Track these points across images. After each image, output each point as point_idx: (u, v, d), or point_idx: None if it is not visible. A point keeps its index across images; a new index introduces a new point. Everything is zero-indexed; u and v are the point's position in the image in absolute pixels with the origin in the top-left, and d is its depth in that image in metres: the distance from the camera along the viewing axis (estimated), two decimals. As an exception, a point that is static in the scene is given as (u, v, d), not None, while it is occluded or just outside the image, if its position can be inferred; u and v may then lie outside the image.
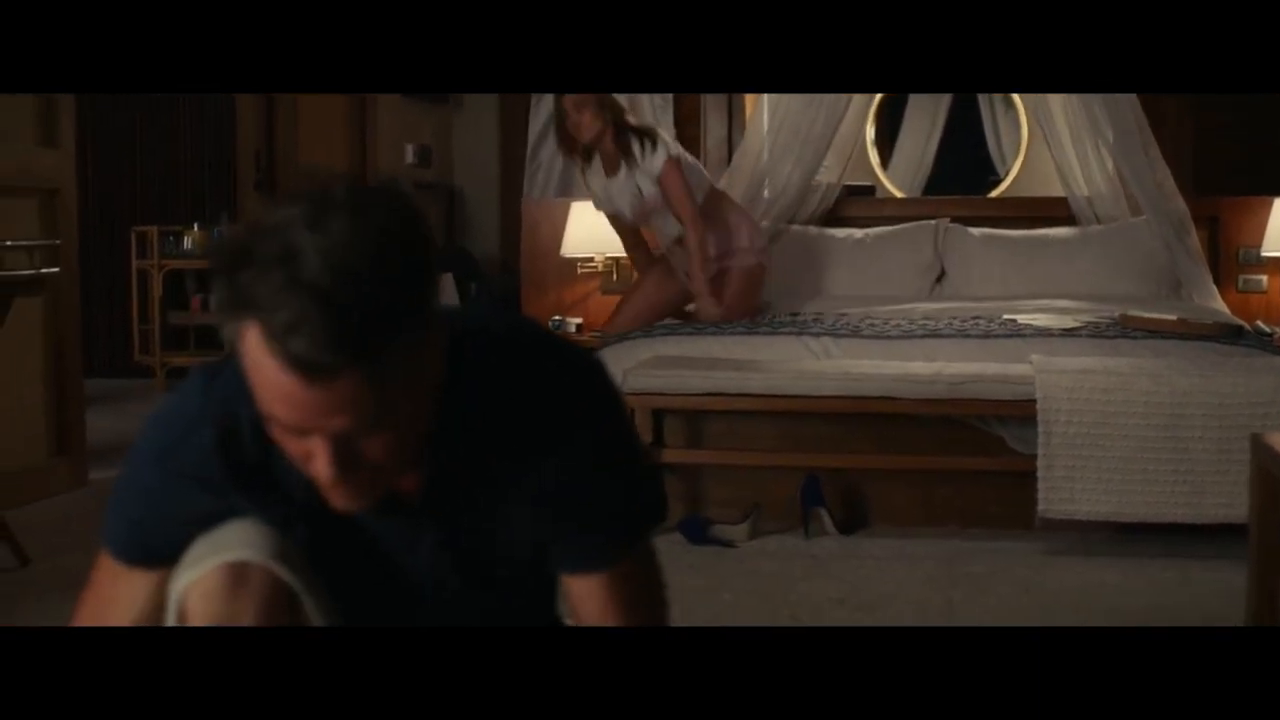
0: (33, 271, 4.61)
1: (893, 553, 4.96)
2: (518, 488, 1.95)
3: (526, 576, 2.09)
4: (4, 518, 4.67)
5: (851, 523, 5.26)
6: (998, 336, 5.58)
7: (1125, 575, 4.67)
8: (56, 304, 5.84)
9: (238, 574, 1.92)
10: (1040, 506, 4.94)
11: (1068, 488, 4.92)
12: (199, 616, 1.92)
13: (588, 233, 7.32)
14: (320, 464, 1.74)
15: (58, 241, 4.99)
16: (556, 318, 7.48)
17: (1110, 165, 7.09)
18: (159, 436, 1.97)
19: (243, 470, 1.93)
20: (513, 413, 1.92)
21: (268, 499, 1.95)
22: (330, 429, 1.71)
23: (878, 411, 5.21)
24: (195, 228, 9.18)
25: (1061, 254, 6.97)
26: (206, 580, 1.92)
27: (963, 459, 5.23)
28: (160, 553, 1.98)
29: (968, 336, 5.62)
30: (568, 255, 7.50)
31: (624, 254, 7.06)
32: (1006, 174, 7.96)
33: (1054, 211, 7.32)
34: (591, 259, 7.48)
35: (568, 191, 8.78)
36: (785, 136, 7.19)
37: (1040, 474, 4.93)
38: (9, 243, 4.74)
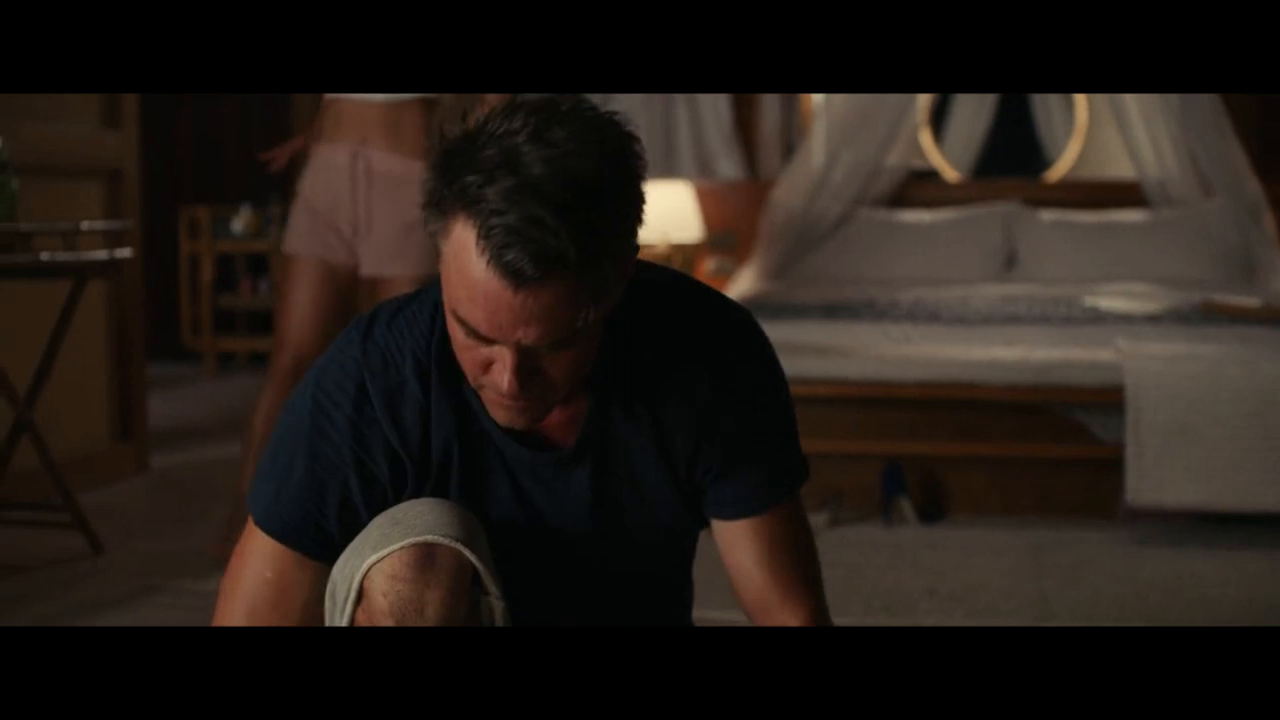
0: (106, 255, 4.53)
1: (975, 542, 4.87)
2: (679, 433, 1.96)
3: (673, 525, 2.08)
4: (78, 505, 4.60)
5: (931, 511, 5.17)
6: (1080, 322, 5.48)
7: (1215, 566, 4.58)
8: (120, 288, 5.79)
9: (426, 555, 1.87)
10: (1128, 495, 4.85)
11: (1156, 477, 4.83)
12: (385, 597, 1.87)
13: (651, 216, 7.23)
14: (501, 374, 1.76)
15: (130, 224, 4.93)
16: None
17: (1181, 146, 6.97)
18: (317, 403, 1.93)
19: (402, 424, 1.91)
20: (675, 358, 1.94)
21: (425, 449, 1.93)
22: (523, 338, 1.72)
23: (961, 398, 5.12)
24: (246, 210, 9.10)
25: (1133, 237, 6.86)
26: (394, 561, 1.87)
27: (1044, 446, 5.14)
28: (312, 532, 1.95)
29: (1049, 321, 5.53)
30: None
31: (687, 240, 7.00)
32: (1059, 156, 7.85)
33: (1121, 194, 7.21)
34: (653, 245, 7.39)
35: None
36: (852, 119, 7.11)
37: (1128, 462, 4.84)
38: (84, 225, 4.66)
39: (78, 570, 4.47)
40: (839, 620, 2.20)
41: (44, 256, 4.35)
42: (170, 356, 9.41)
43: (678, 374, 1.94)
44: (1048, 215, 7.04)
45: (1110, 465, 5.00)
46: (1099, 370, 5.02)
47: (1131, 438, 4.84)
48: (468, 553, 1.88)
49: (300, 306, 4.27)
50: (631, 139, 1.75)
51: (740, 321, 2.01)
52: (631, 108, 8.78)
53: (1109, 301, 5.76)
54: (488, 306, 1.69)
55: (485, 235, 1.65)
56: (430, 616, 1.86)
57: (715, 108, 8.62)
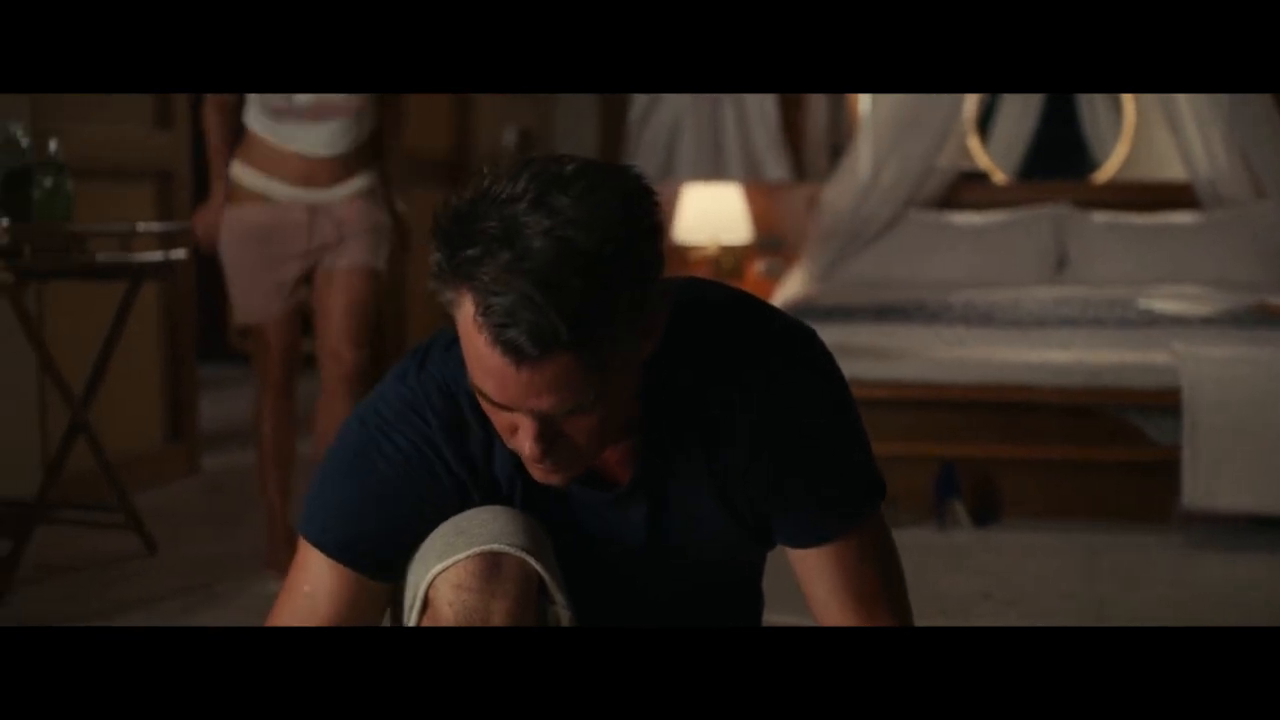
0: (162, 256, 4.55)
1: (1029, 545, 4.85)
2: (731, 455, 1.89)
3: (734, 551, 2.03)
4: (133, 505, 4.62)
5: (985, 514, 5.15)
6: (1134, 324, 5.45)
7: (1272, 571, 4.55)
8: (172, 289, 5.80)
9: (492, 565, 1.85)
10: (1184, 499, 4.82)
11: (1211, 480, 4.79)
12: (450, 606, 1.85)
13: (700, 218, 7.23)
14: (524, 439, 1.75)
15: (188, 225, 4.94)
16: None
17: (1232, 147, 6.91)
18: (376, 427, 1.90)
19: (465, 450, 1.89)
20: (724, 379, 1.88)
21: (486, 476, 1.91)
22: (536, 408, 1.71)
23: (1015, 400, 5.10)
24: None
25: (1185, 239, 6.81)
26: (459, 570, 1.85)
27: (1098, 449, 5.11)
28: (378, 556, 1.91)
29: (1103, 324, 5.50)
30: (679, 241, 7.39)
31: (736, 241, 6.99)
32: (1105, 157, 7.80)
33: (1172, 195, 7.16)
34: (703, 247, 7.38)
35: (669, 174, 8.72)
36: (901, 120, 7.09)
37: (1184, 466, 4.81)
38: (140, 226, 4.68)
39: (131, 570, 4.48)
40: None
41: (101, 258, 4.36)
42: (218, 358, 9.41)
43: (726, 394, 1.87)
44: (1099, 217, 6.99)
45: (1164, 468, 4.97)
46: (1154, 373, 4.99)
47: (1188, 441, 4.80)
48: (533, 562, 1.87)
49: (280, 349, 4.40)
50: (643, 194, 1.70)
51: (789, 332, 1.93)
52: (679, 108, 8.82)
53: (1163, 304, 5.72)
54: (498, 380, 1.68)
55: (484, 314, 1.64)
56: (497, 626, 1.85)
57: (762, 108, 8.61)
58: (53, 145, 4.33)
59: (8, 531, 4.42)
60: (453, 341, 1.86)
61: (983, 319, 5.63)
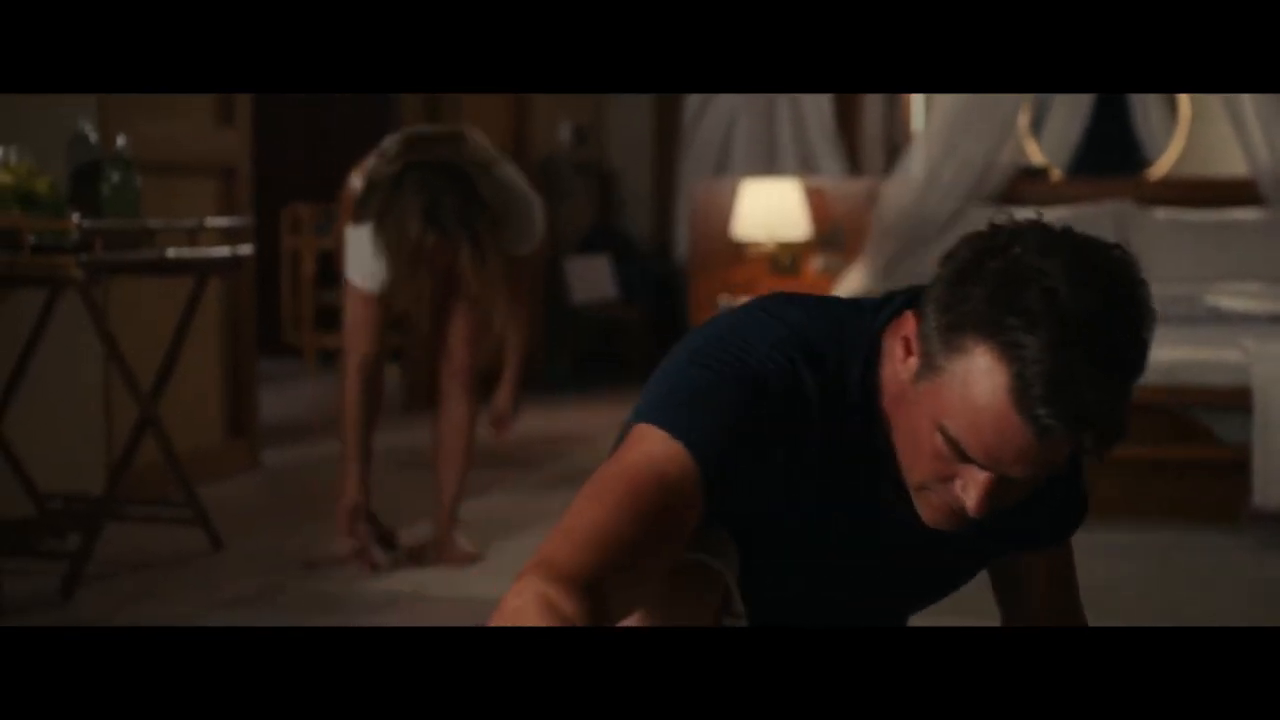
0: (229, 252, 4.55)
1: (1098, 545, 4.75)
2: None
3: (959, 571, 2.08)
4: (200, 501, 4.62)
5: (1052, 514, 5.10)
6: (1203, 321, 5.40)
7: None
8: (233, 284, 5.81)
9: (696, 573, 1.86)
10: (1256, 498, 4.77)
11: (1285, 480, 4.75)
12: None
13: (758, 214, 7.19)
14: (969, 493, 1.74)
15: (251, 221, 4.95)
16: (724, 299, 7.37)
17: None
18: (742, 354, 1.82)
19: (833, 424, 1.83)
20: None
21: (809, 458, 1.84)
22: (1013, 473, 1.71)
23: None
24: (348, 207, 9.12)
25: (1249, 236, 6.73)
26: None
27: (1168, 448, 5.06)
28: (728, 468, 1.78)
29: (1170, 321, 5.44)
30: (738, 238, 7.35)
31: (794, 238, 6.97)
32: (1157, 153, 7.74)
33: (1232, 191, 7.09)
34: (760, 243, 7.35)
35: (724, 170, 8.70)
36: (961, 116, 7.05)
37: (1255, 465, 4.77)
38: (207, 222, 4.69)
39: (200, 567, 4.48)
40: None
41: (170, 253, 4.36)
42: (272, 353, 9.43)
43: None
44: (1161, 213, 6.92)
45: (1233, 468, 4.93)
46: (1224, 371, 4.95)
47: (1259, 440, 4.76)
48: (726, 572, 1.87)
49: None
50: (1143, 283, 1.72)
51: None
52: (734, 105, 8.80)
53: (1231, 301, 5.67)
54: (997, 441, 1.68)
55: (1022, 384, 1.64)
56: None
57: (817, 105, 8.59)
58: (120, 141, 4.34)
59: (76, 526, 4.43)
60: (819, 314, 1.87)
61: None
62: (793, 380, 1.80)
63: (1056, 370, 1.62)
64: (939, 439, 1.72)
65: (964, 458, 1.72)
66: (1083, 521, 2.05)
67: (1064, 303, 1.63)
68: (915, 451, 1.77)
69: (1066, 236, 1.70)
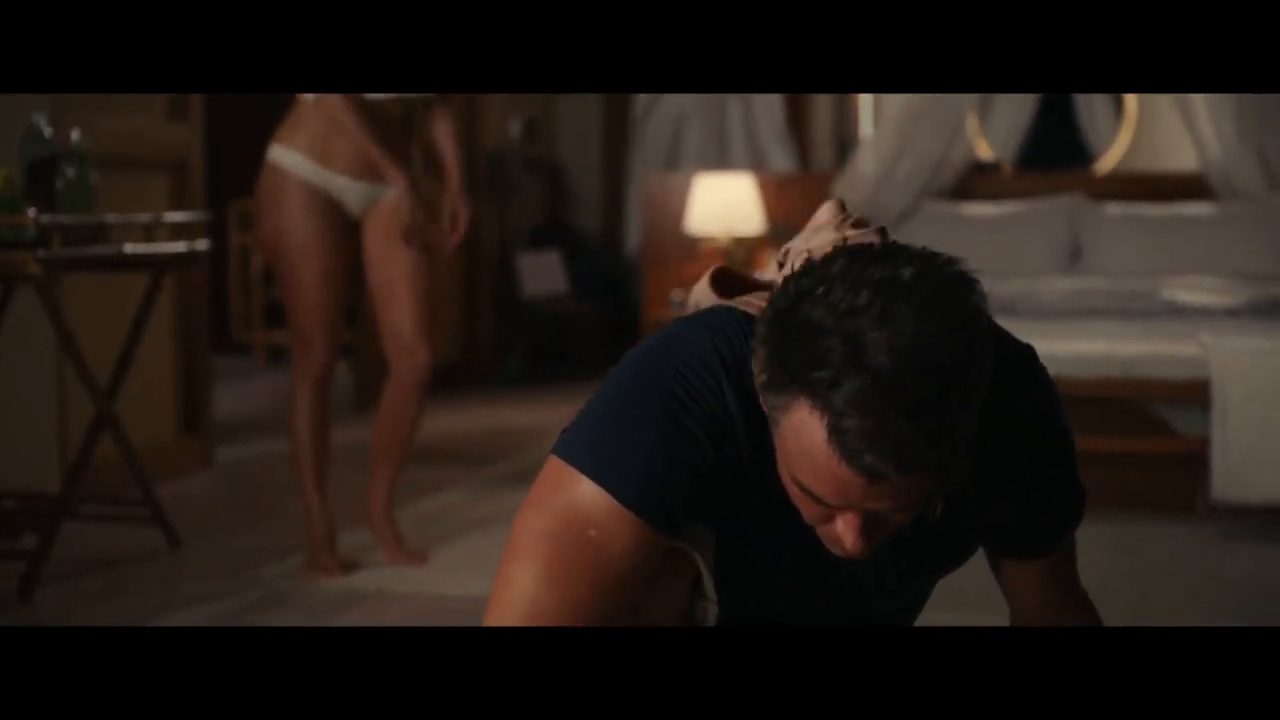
0: (185, 248, 4.50)
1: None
2: (973, 498, 1.89)
3: (931, 572, 2.06)
4: (158, 499, 4.57)
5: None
6: (1159, 315, 5.43)
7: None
8: (186, 281, 5.76)
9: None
10: (1214, 491, 4.80)
11: (1241, 472, 4.78)
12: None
13: (712, 209, 7.18)
14: (847, 534, 1.71)
15: (207, 216, 4.90)
16: (678, 293, 7.35)
17: (1245, 138, 6.88)
18: (669, 378, 1.79)
19: (760, 440, 1.79)
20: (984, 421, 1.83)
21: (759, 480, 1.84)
22: (872, 508, 1.68)
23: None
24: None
25: (1200, 230, 6.77)
26: None
27: (1126, 440, 5.09)
28: (665, 502, 1.78)
29: (1127, 315, 5.48)
30: (691, 232, 7.33)
31: (749, 232, 6.97)
32: (1103, 147, 7.78)
33: (1180, 186, 7.12)
34: (715, 238, 7.33)
35: (674, 166, 8.69)
36: (910, 113, 7.07)
37: (1214, 458, 4.79)
38: (164, 216, 4.64)
39: (160, 565, 4.45)
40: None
41: (127, 249, 4.31)
42: (221, 350, 9.37)
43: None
44: (1113, 208, 6.96)
45: (1191, 460, 4.95)
46: (1182, 364, 4.98)
47: (1217, 432, 4.79)
48: (698, 557, 1.87)
49: (317, 308, 4.26)
50: (973, 288, 1.66)
51: (1027, 358, 1.96)
52: (684, 101, 8.79)
53: (1187, 294, 5.70)
54: (839, 488, 1.65)
55: (838, 436, 1.60)
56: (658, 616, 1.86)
57: (767, 101, 8.59)
58: (75, 135, 4.28)
59: (32, 526, 4.38)
60: (727, 324, 1.83)
61: (1005, 309, 5.60)
62: (719, 404, 1.79)
63: (866, 422, 1.58)
64: (797, 489, 1.71)
65: (824, 505, 1.69)
66: (1079, 519, 2.05)
67: (868, 351, 1.58)
68: (795, 498, 1.75)
69: (883, 267, 1.63)
